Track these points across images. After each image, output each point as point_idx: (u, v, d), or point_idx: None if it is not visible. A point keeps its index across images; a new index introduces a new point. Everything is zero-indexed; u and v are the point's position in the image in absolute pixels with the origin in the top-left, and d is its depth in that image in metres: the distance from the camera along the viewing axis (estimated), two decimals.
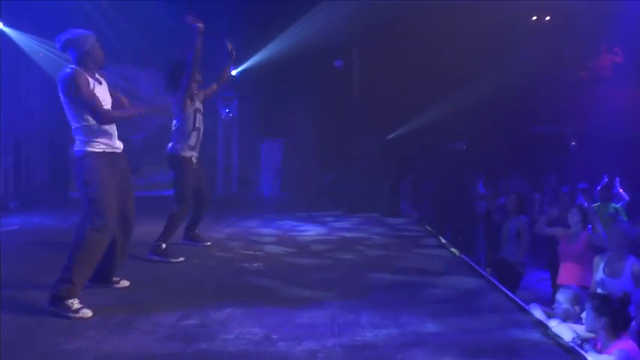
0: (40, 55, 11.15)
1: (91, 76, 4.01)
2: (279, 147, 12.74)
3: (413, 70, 11.13)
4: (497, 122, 12.44)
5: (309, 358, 3.14)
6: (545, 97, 13.11)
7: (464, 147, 14.23)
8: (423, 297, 4.51)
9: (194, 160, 5.93)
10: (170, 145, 5.88)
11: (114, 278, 4.54)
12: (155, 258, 5.59)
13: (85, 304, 3.85)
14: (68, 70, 3.95)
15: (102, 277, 4.37)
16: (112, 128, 4.18)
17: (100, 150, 4.05)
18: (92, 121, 4.01)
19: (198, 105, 5.93)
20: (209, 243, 6.46)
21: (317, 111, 12.01)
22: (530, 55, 11.51)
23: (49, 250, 5.92)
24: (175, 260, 5.58)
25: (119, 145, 4.24)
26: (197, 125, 5.90)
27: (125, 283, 4.60)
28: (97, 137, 4.05)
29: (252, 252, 6.21)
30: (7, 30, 10.67)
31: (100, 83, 4.11)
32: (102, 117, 3.98)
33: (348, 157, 11.33)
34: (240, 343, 3.35)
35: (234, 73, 12.21)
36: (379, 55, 11.64)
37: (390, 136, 12.17)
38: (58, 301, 3.80)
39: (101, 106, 3.98)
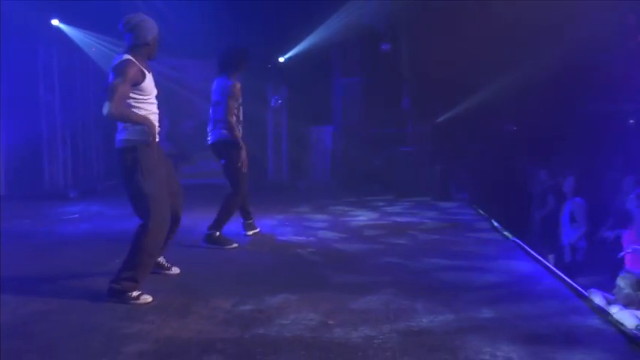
0: (93, 49, 11.47)
1: (142, 64, 3.99)
2: (327, 133, 12.74)
3: (462, 50, 10.89)
4: (550, 102, 12.08)
5: (366, 344, 3.15)
6: (603, 72, 12.54)
7: (514, 128, 13.91)
8: (477, 282, 4.46)
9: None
10: (218, 132, 5.82)
11: (165, 264, 4.63)
12: (210, 246, 5.70)
13: (144, 289, 3.96)
14: (124, 58, 3.93)
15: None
16: (155, 117, 4.11)
17: (150, 139, 3.99)
18: (143, 110, 3.99)
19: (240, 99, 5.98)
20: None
21: (365, 96, 11.94)
22: (589, 29, 11.05)
23: (109, 238, 6.12)
24: (230, 247, 5.69)
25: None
26: (241, 118, 5.95)
27: (176, 270, 4.67)
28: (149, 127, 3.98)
29: (304, 238, 6.28)
30: (62, 26, 11.02)
31: (150, 72, 4.10)
32: (112, 110, 3.80)
33: (398, 142, 11.23)
34: (296, 328, 3.40)
35: (281, 60, 12.25)
36: (428, 35, 11.43)
37: (439, 119, 11.97)
38: (119, 293, 3.89)
39: (120, 103, 3.83)
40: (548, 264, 4.96)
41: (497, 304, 3.84)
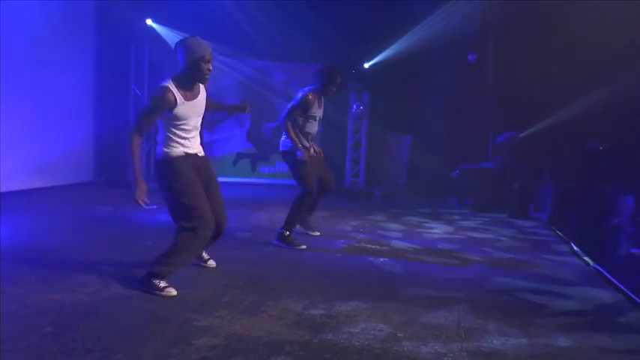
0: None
1: (185, 90, 4.09)
2: (407, 142, 12.63)
3: (552, 64, 10.54)
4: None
5: None
6: None
7: (600, 148, 13.31)
8: (553, 307, 4.30)
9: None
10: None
11: (204, 256, 4.88)
12: (280, 244, 5.89)
13: (216, 285, 4.12)
14: (160, 86, 4.05)
15: None
16: (193, 138, 4.27)
17: (180, 154, 4.17)
18: (174, 134, 4.14)
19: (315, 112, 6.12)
20: (318, 233, 6.63)
21: (447, 106, 11.77)
22: None
23: None
24: (298, 248, 5.84)
25: (197, 149, 4.32)
26: (307, 131, 6.11)
27: (212, 263, 4.89)
28: (176, 146, 4.17)
29: (378, 246, 6.25)
30: (155, 26, 11.52)
31: (191, 99, 4.15)
32: (130, 137, 4.06)
33: (477, 154, 11.01)
34: (365, 338, 3.38)
35: (366, 66, 12.24)
36: (516, 47, 11.14)
37: (522, 134, 11.64)
38: (148, 278, 4.07)
39: (140, 132, 4.07)
40: (633, 295, 4.70)
41: (574, 332, 3.70)
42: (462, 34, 11.46)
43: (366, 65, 12.23)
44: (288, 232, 5.96)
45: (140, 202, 4.06)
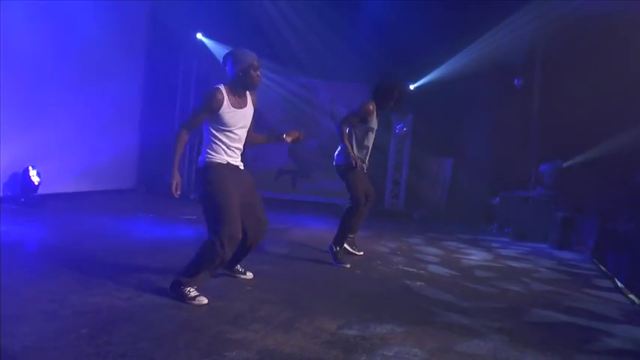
0: None
1: (234, 98, 4.24)
2: (449, 165, 12.53)
3: (601, 91, 10.33)
4: None
5: None
6: None
7: None
8: (594, 344, 4.15)
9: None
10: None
11: (239, 268, 4.97)
12: (333, 262, 5.98)
13: (251, 298, 4.12)
14: (213, 87, 4.21)
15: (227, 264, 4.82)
16: (237, 149, 4.37)
17: (222, 162, 4.27)
18: (218, 139, 4.24)
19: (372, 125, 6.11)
20: (362, 253, 6.65)
21: (491, 131, 11.64)
22: None
23: None
24: (341, 266, 5.91)
25: (239, 163, 4.42)
26: (366, 144, 6.11)
27: (250, 274, 4.99)
28: (218, 152, 4.27)
29: (415, 270, 6.19)
30: (205, 40, 11.76)
31: (239, 107, 4.27)
32: (179, 129, 4.22)
33: (520, 182, 10.84)
34: None
35: (411, 87, 12.21)
36: (564, 73, 10.97)
37: (567, 163, 11.41)
38: (177, 286, 4.13)
39: (187, 129, 4.20)
40: None
41: None
42: (509, 59, 11.36)
43: (412, 86, 12.20)
44: (338, 248, 6.02)
45: (173, 191, 4.14)
